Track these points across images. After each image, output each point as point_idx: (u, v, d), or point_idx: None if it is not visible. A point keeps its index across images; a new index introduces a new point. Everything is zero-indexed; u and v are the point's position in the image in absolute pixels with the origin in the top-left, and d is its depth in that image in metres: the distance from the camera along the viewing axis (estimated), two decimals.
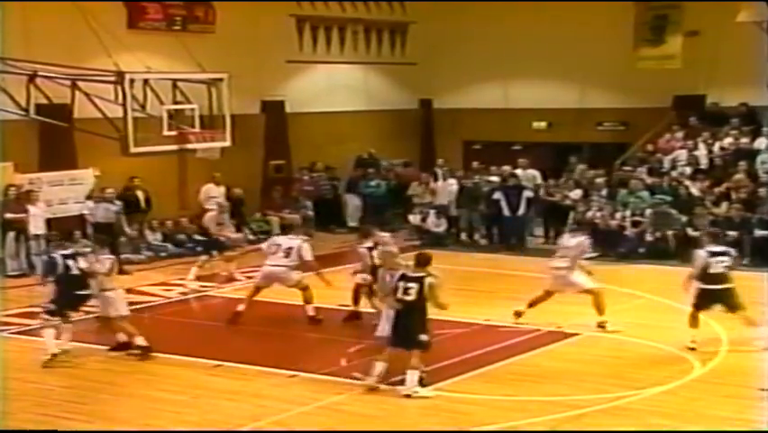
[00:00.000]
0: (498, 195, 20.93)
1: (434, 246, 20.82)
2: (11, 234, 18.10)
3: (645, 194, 20.37)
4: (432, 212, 21.68)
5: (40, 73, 17.09)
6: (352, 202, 23.59)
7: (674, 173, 21.29)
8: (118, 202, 18.81)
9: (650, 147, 22.86)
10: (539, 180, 22.22)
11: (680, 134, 22.71)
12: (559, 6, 24.24)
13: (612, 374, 11.74)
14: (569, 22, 24.49)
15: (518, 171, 22.03)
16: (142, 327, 13.53)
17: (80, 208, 19.26)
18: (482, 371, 11.81)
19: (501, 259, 19.63)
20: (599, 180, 21.25)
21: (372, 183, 23.18)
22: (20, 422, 10.24)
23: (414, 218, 22.03)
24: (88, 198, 19.24)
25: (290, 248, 14.53)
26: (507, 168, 22.03)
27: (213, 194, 20.86)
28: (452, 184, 21.99)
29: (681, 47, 23.22)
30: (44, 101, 17.58)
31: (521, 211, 20.97)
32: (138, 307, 15.01)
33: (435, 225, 21.57)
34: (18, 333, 14.17)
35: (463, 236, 21.79)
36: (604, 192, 20.91)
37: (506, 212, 20.92)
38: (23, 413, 10.52)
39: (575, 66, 24.72)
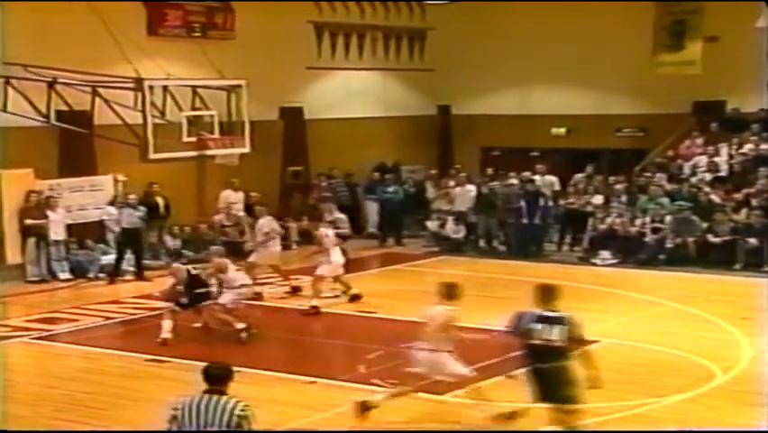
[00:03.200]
0: (521, 202, 20.88)
1: (453, 253, 20.90)
2: (31, 240, 18.19)
3: (665, 200, 20.29)
4: (450, 218, 21.65)
5: (60, 80, 17.19)
6: (371, 208, 23.59)
7: (694, 179, 21.19)
8: (142, 207, 18.88)
9: (670, 153, 22.77)
10: (557, 187, 22.16)
11: (700, 140, 22.61)
12: (578, 12, 24.20)
13: (632, 382, 11.67)
14: (588, 27, 24.44)
15: (536, 178, 21.98)
16: (156, 335, 13.59)
17: (100, 214, 19.38)
18: (501, 378, 11.75)
19: (519, 266, 19.58)
20: (619, 187, 21.18)
21: (390, 189, 23.17)
22: (39, 427, 10.28)
23: (432, 225, 22.01)
24: (111, 203, 19.36)
25: None
26: (525, 174, 21.99)
27: (231, 200, 20.90)
28: (471, 190, 21.95)
29: (701, 52, 23.13)
30: (64, 107, 17.67)
31: (540, 218, 20.92)
32: (158, 313, 15.02)
33: (454, 231, 21.54)
34: (39, 338, 14.23)
35: (482, 243, 21.74)
36: (623, 198, 20.84)
37: (524, 219, 20.88)
38: (43, 418, 10.57)
39: (594, 72, 24.67)
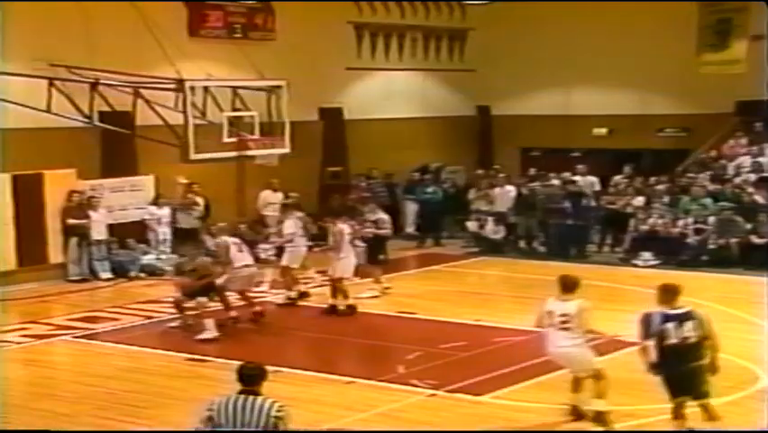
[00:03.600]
0: (565, 203, 20.75)
1: (492, 254, 20.81)
2: (73, 240, 18.37)
3: (708, 201, 20.06)
4: (490, 219, 21.57)
5: (102, 81, 17.33)
6: (410, 208, 23.56)
7: (738, 180, 20.94)
8: (198, 208, 18.98)
9: (713, 153, 22.51)
10: (597, 187, 22.00)
11: (744, 140, 22.34)
12: (619, 11, 23.99)
13: None
14: (630, 27, 24.24)
15: (577, 178, 21.83)
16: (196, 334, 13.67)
17: (141, 214, 19.54)
18: (540, 379, 11.68)
19: (559, 267, 19.40)
20: (660, 187, 20.97)
21: (429, 189, 23.13)
22: (81, 426, 10.36)
23: (472, 225, 21.93)
24: (153, 203, 19.52)
25: None
26: (566, 174, 21.85)
27: (270, 200, 21.01)
28: (511, 191, 21.86)
29: (746, 51, 22.84)
30: (107, 108, 17.81)
31: (583, 218, 20.78)
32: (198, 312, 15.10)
33: (494, 232, 21.45)
34: (81, 337, 14.36)
35: (521, 244, 21.63)
36: (665, 199, 20.64)
37: (569, 220, 20.76)
38: (85, 416, 10.66)
39: (636, 71, 24.44)
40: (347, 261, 15.61)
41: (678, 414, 9.33)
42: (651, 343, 9.15)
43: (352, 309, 15.42)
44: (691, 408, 10.46)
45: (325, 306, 15.56)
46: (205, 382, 11.78)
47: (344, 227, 15.75)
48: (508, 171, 23.39)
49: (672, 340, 9.03)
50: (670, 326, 9.02)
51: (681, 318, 9.05)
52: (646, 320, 9.20)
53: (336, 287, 15.54)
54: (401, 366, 12.19)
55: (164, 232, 19.48)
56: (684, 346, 9.03)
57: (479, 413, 10.60)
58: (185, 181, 19.40)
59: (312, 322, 14.80)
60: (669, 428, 9.64)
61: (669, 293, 9.24)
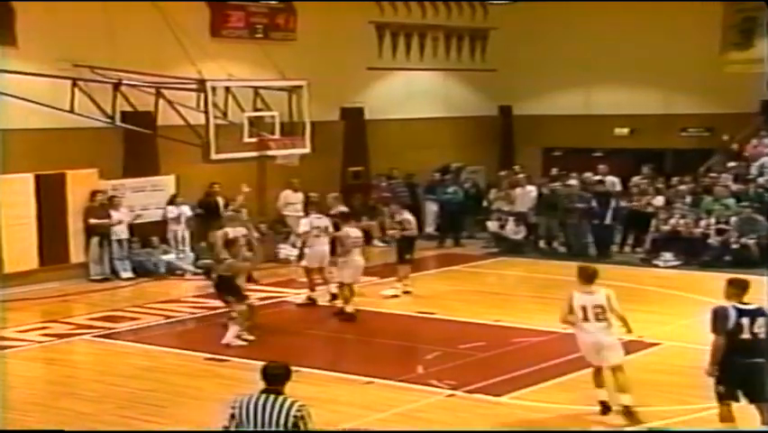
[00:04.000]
0: (593, 202, 20.67)
1: (512, 254, 20.76)
2: (95, 240, 18.47)
3: (731, 201, 19.92)
4: (511, 219, 21.51)
5: (125, 81, 17.42)
6: (431, 208, 23.53)
7: (761, 180, 20.77)
8: (244, 210, 18.76)
9: (735, 147, 22.32)
10: (618, 187, 21.90)
11: (767, 140, 22.17)
12: (642, 9, 23.87)
13: (695, 385, 11.38)
14: (652, 26, 24.11)
15: (598, 178, 21.73)
16: (221, 333, 13.71)
17: (162, 214, 19.63)
18: (561, 380, 11.65)
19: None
20: (683, 187, 20.84)
21: (450, 189, 23.09)
22: (102, 424, 10.42)
23: (492, 225, 21.88)
24: (170, 202, 19.59)
25: None
26: (588, 174, 21.76)
27: (291, 200, 21.06)
28: (532, 191, 21.79)
29: None
30: (129, 109, 17.89)
31: (608, 219, 20.70)
32: (217, 312, 15.17)
33: (514, 232, 21.40)
34: (101, 336, 14.43)
35: (542, 244, 21.56)
36: (688, 199, 20.51)
37: (596, 220, 20.69)
38: (106, 415, 10.72)
39: (659, 71, 24.29)
40: (351, 265, 15.19)
41: (727, 416, 9.13)
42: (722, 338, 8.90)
43: (350, 317, 15.02)
44: (711, 411, 10.43)
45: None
46: (224, 382, 11.82)
47: (350, 231, 15.44)
48: (530, 171, 23.33)
49: (745, 335, 8.86)
50: (745, 321, 8.87)
51: (755, 314, 8.92)
52: (723, 314, 8.95)
53: (339, 291, 15.30)
54: (420, 366, 12.18)
55: (182, 229, 19.54)
56: (755, 342, 8.87)
57: (498, 414, 10.58)
58: (247, 189, 19.24)
59: (330, 322, 14.79)
60: (685, 427, 9.61)
61: (739, 288, 9.08)
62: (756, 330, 8.90)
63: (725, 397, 9.08)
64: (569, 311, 10.29)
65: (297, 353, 13.04)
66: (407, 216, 17.18)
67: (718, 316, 8.97)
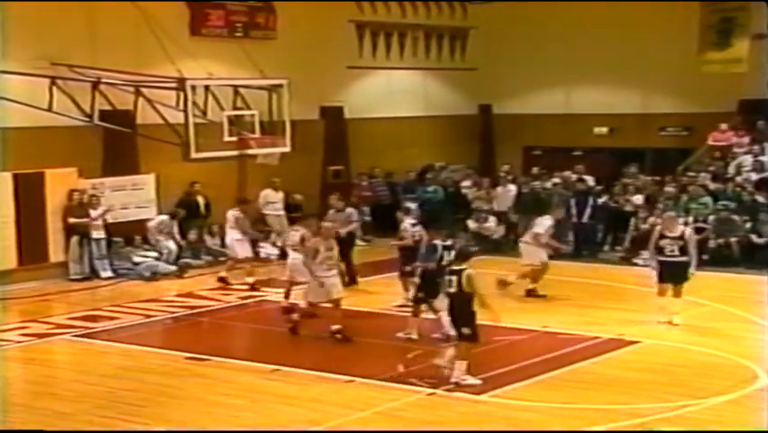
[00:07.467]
0: (572, 202, 20.74)
1: (493, 253, 20.78)
2: (74, 239, 18.37)
3: (708, 200, 20.03)
4: (491, 218, 21.55)
5: (104, 80, 17.35)
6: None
7: (739, 179, 20.91)
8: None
9: (717, 154, 22.48)
10: (592, 184, 21.96)
11: (745, 139, 22.32)
12: (621, 10, 23.98)
13: (674, 383, 11.54)
14: (631, 25, 24.23)
15: (582, 177, 21.81)
16: (201, 332, 13.68)
17: (141, 213, 19.53)
18: (541, 378, 11.69)
19: (559, 265, 19.41)
20: (670, 189, 20.89)
21: (430, 189, 23.11)
22: (82, 424, 10.37)
23: (472, 224, 21.92)
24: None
25: None
26: (567, 173, 21.83)
27: (271, 199, 21.03)
28: (512, 190, 21.85)
29: (748, 50, 22.81)
30: (108, 107, 17.83)
31: (585, 217, 20.77)
32: (197, 311, 15.13)
33: (494, 231, 21.44)
34: (81, 336, 14.36)
35: None
36: (666, 198, 20.58)
37: (574, 218, 20.76)
38: (84, 415, 10.66)
39: (638, 70, 24.43)
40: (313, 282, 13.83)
41: None
42: None
43: (294, 331, 14.06)
44: (690, 409, 10.51)
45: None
46: (203, 381, 11.80)
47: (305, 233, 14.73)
48: (510, 170, 23.38)
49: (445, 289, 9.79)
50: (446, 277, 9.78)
51: (452, 273, 9.84)
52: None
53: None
54: (401, 365, 12.18)
55: (164, 238, 19.39)
56: (447, 294, 9.87)
57: (478, 412, 10.59)
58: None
59: (311, 322, 14.76)
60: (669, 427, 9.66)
61: (458, 253, 9.99)
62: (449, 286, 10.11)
63: None
64: None
65: (278, 351, 13.04)
66: (406, 224, 15.78)
67: None
